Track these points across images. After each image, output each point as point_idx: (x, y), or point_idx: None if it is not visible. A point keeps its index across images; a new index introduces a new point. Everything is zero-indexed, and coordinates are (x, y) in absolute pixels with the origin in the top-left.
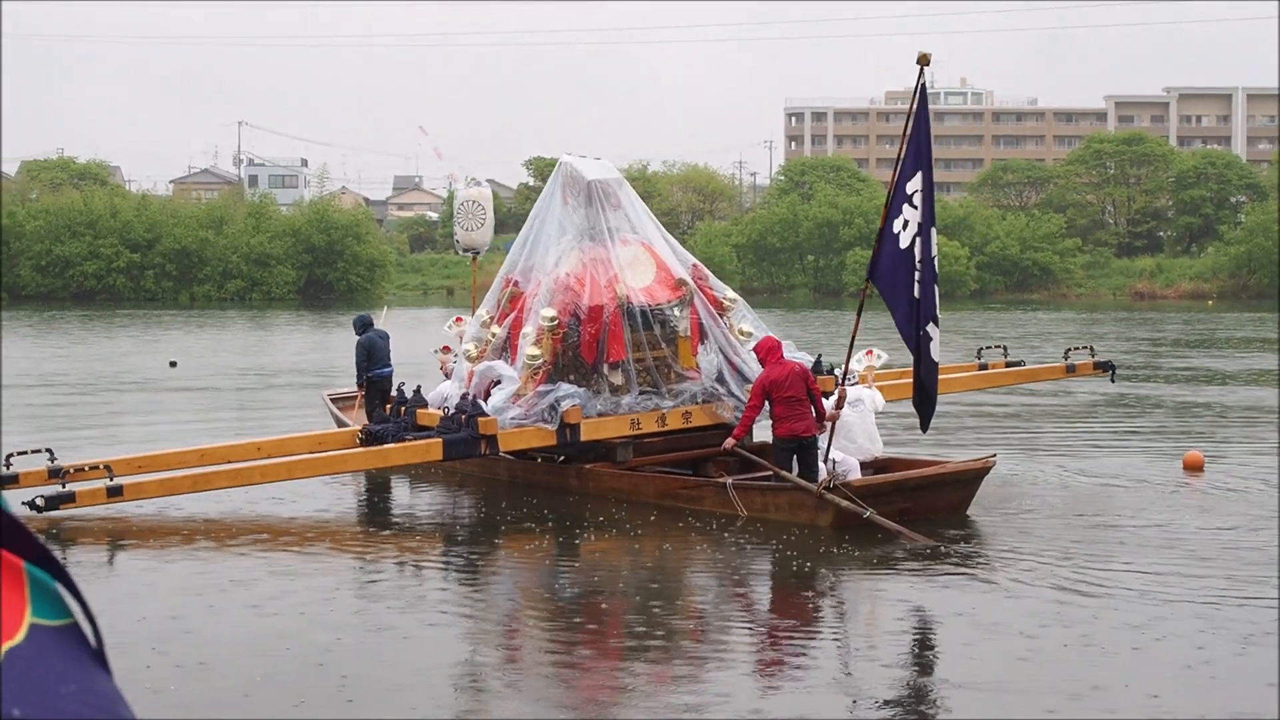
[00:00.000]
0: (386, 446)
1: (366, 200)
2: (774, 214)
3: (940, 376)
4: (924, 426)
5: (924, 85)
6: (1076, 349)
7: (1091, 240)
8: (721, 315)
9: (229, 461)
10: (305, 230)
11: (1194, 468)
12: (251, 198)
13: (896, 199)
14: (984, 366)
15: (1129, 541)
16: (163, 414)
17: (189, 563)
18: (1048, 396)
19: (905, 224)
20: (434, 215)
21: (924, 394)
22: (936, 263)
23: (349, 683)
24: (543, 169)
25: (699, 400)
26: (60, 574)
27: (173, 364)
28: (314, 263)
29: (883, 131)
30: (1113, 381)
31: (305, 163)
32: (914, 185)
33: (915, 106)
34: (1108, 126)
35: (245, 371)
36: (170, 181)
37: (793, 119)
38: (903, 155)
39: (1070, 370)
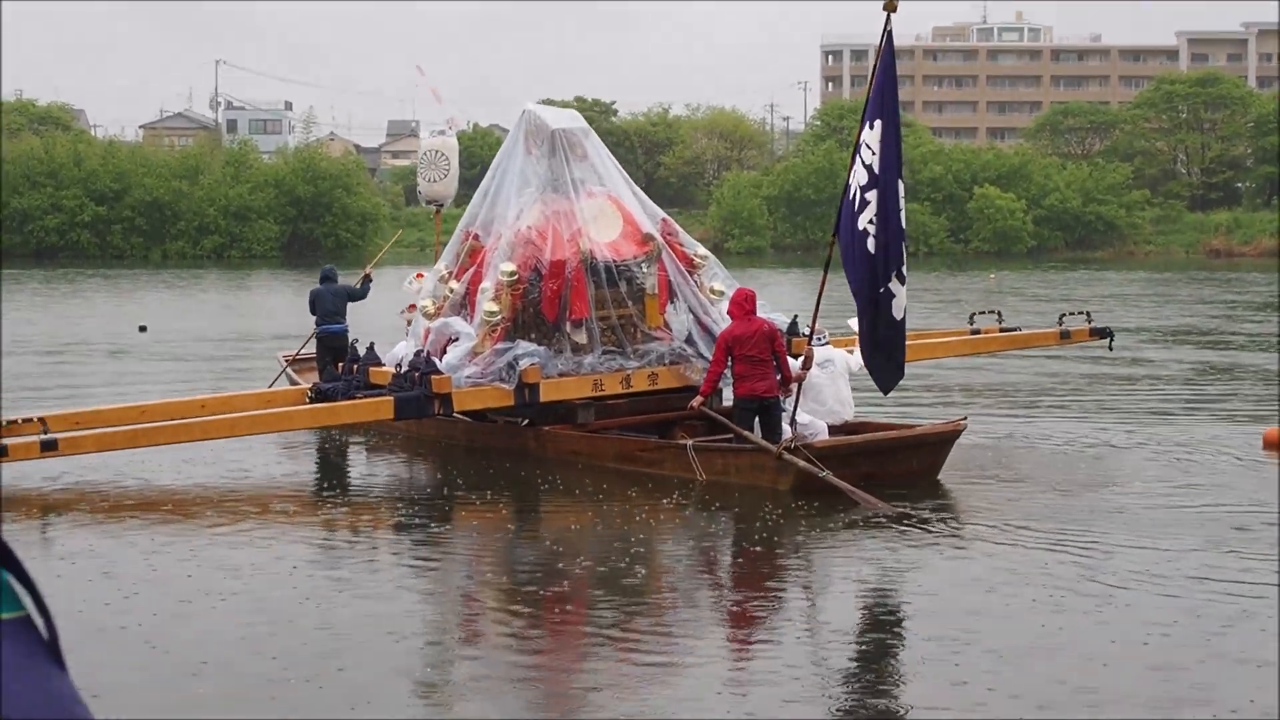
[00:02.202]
0: (335, 404)
1: (357, 148)
2: (809, 163)
3: (928, 340)
4: (885, 388)
5: (890, 33)
6: (1072, 314)
7: (1161, 192)
8: (692, 273)
9: (171, 418)
10: (289, 181)
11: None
12: (230, 145)
13: (855, 150)
14: (976, 332)
15: (1127, 511)
16: (131, 382)
17: (130, 536)
18: (1113, 364)
19: (855, 176)
20: None
21: (883, 353)
22: (904, 216)
23: (290, 671)
24: None
25: (666, 361)
26: (10, 561)
27: (142, 329)
28: (299, 217)
29: (930, 71)
30: (1110, 349)
31: (289, 106)
32: (870, 135)
33: (880, 54)
34: (1179, 66)
35: (222, 337)
36: (140, 127)
37: (830, 57)
38: (866, 104)
39: (1064, 337)
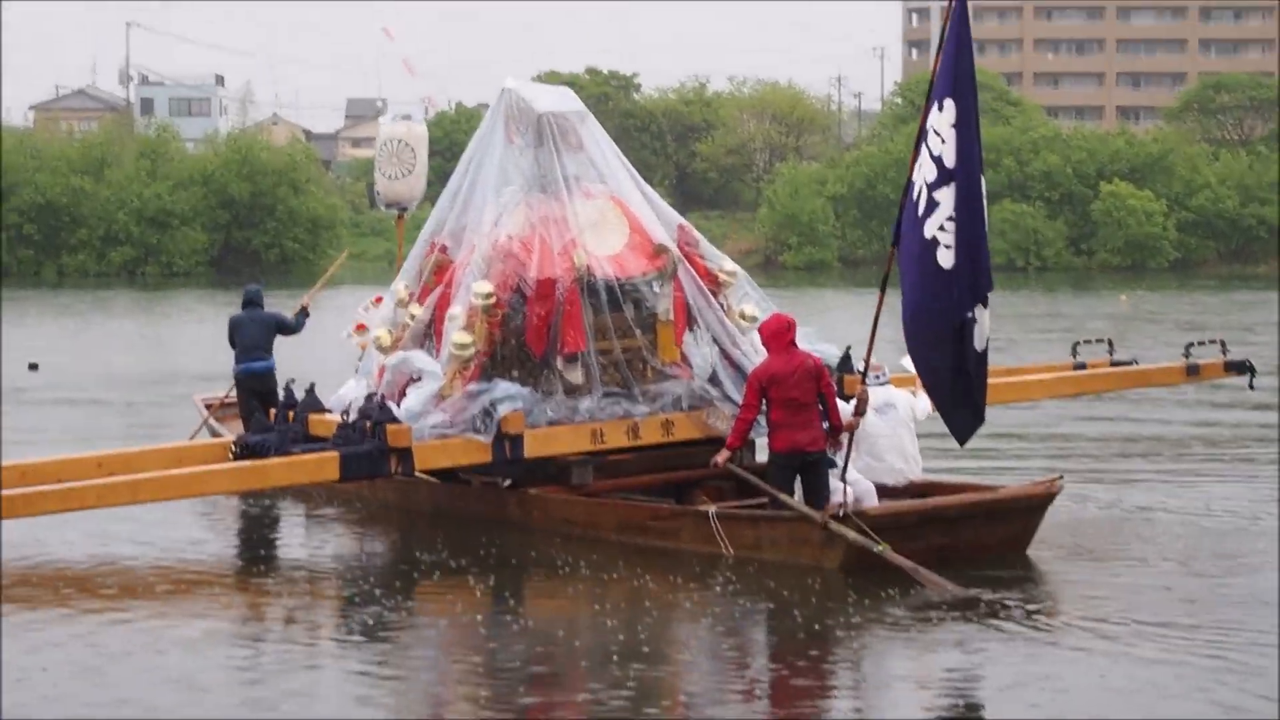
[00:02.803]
0: (265, 462)
1: (308, 134)
2: (887, 152)
3: (1021, 379)
4: (962, 439)
5: None
6: (1202, 342)
7: None
8: (716, 293)
9: (59, 480)
10: (220, 176)
11: None
12: (145, 130)
13: (919, 138)
14: (1080, 366)
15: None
16: (17, 436)
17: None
18: (1260, 409)
19: (921, 171)
20: None
21: (963, 395)
22: (987, 221)
23: None
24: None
25: (684, 405)
26: None
27: (33, 366)
28: (233, 222)
29: (1043, 34)
30: (1251, 388)
31: (221, 81)
32: (938, 119)
33: (950, 14)
34: None
35: (134, 377)
36: (30, 108)
37: (914, 17)
38: (933, 81)
39: (1192, 372)
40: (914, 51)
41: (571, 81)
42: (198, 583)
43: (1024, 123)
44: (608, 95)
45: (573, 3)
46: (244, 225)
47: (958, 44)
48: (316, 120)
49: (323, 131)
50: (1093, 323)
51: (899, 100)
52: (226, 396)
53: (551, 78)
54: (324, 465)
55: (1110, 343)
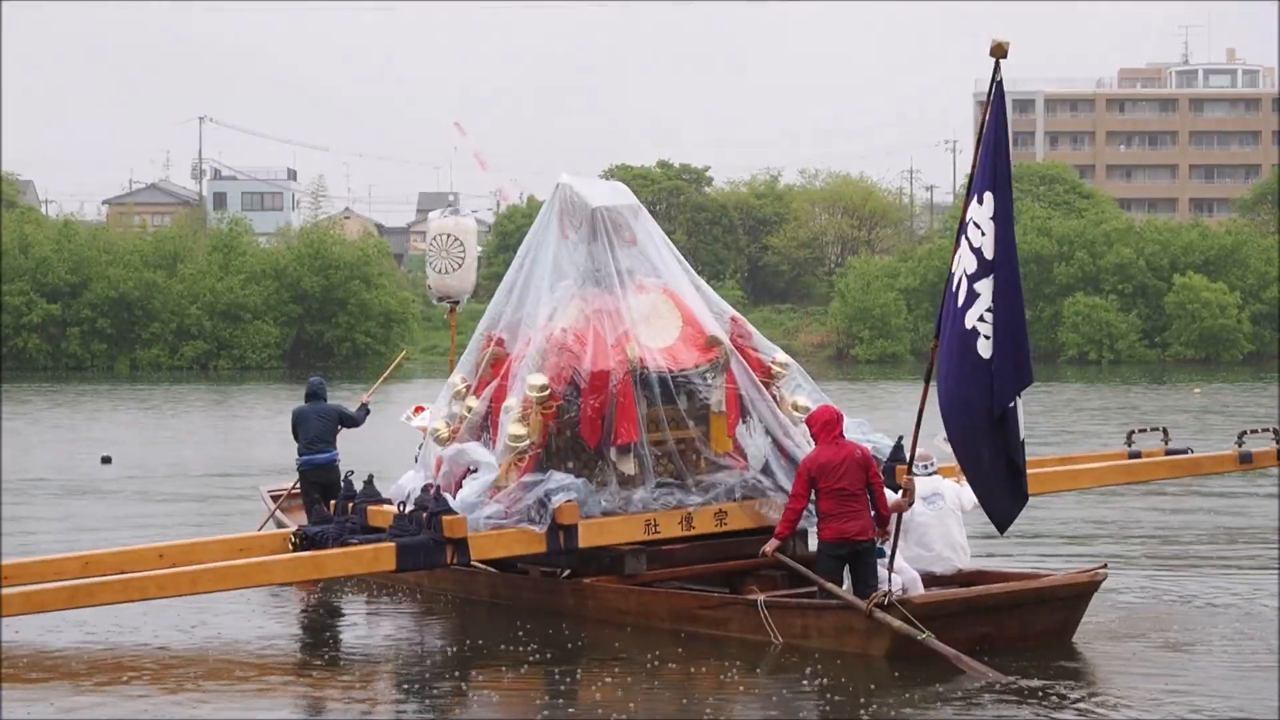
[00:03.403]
0: (323, 553)
1: (380, 228)
2: None
3: (1074, 467)
4: (1003, 526)
5: (1000, 83)
6: (1255, 431)
7: None
8: (769, 385)
9: (120, 571)
10: (293, 270)
11: None
12: (218, 224)
13: (960, 231)
14: (1135, 455)
15: None
16: (89, 528)
17: (57, 710)
18: None
19: (961, 262)
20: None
21: (1004, 484)
22: (1024, 309)
23: None
24: (629, 182)
25: (737, 495)
26: None
27: (106, 460)
28: (305, 316)
29: (1115, 126)
30: None
31: (293, 175)
32: (978, 211)
33: (989, 110)
34: None
35: (206, 471)
36: (104, 202)
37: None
38: (973, 173)
39: (1245, 460)
40: None
41: (643, 175)
42: (260, 669)
43: (1097, 215)
44: (679, 189)
45: (631, 88)
46: (316, 319)
47: (995, 137)
48: (388, 214)
49: (394, 225)
50: (1168, 415)
51: None
52: (293, 488)
53: (623, 171)
54: (380, 556)
55: (1165, 431)
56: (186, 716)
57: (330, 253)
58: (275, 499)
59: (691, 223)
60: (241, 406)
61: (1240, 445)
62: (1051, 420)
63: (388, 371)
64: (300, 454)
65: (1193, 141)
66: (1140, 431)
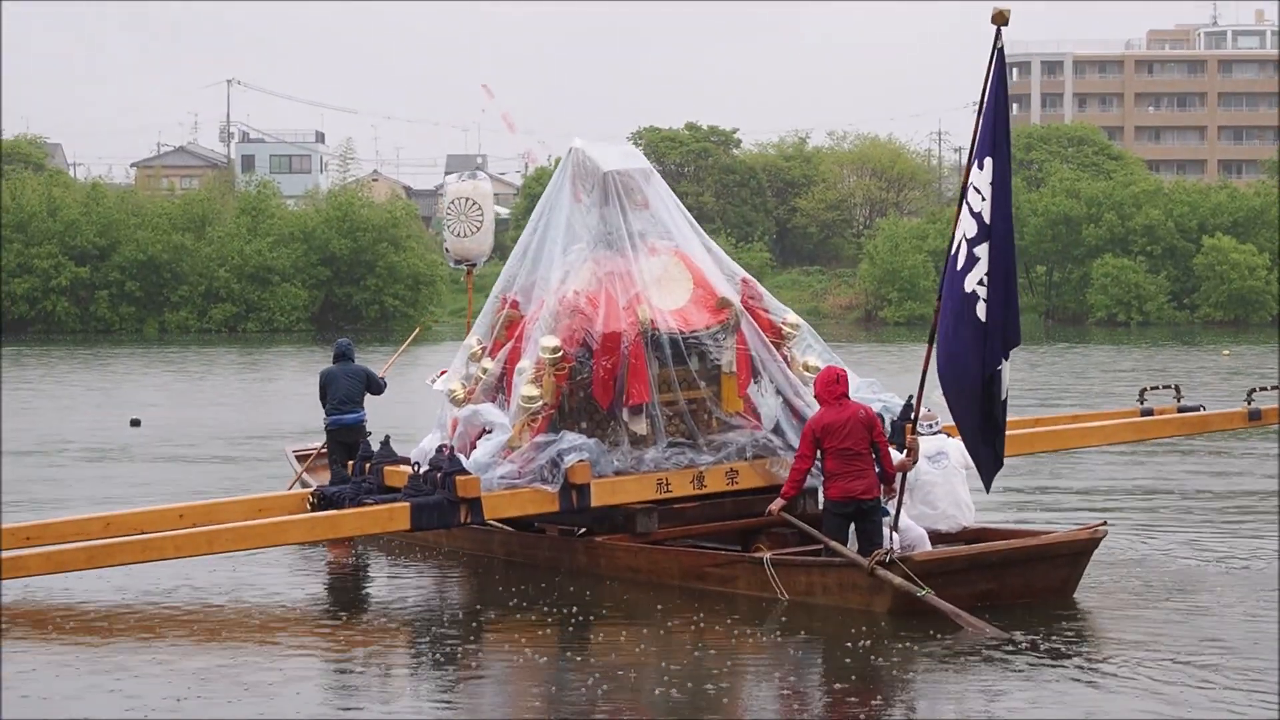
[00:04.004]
0: (338, 513)
1: (408, 190)
2: None
3: (1085, 425)
4: (989, 484)
5: (1000, 50)
6: (1263, 389)
7: None
8: (779, 345)
9: (140, 531)
10: (321, 233)
11: None
12: (246, 187)
13: (962, 195)
14: (1148, 412)
15: None
16: (118, 489)
17: (89, 666)
18: None
19: (962, 226)
20: (504, 211)
21: (989, 444)
22: (1016, 272)
23: None
24: (657, 144)
25: (748, 455)
26: None
27: (135, 422)
28: (333, 278)
29: (1144, 88)
30: None
31: (321, 138)
32: (979, 177)
33: (989, 77)
34: None
35: (235, 433)
36: (132, 165)
37: (1015, 71)
38: (975, 140)
39: (1254, 418)
40: (1014, 106)
41: (671, 137)
42: (278, 626)
43: (1125, 177)
44: (708, 150)
45: (661, 49)
46: (344, 281)
47: (996, 103)
48: (417, 176)
49: (423, 188)
50: (1197, 377)
51: None
52: (321, 449)
53: (649, 133)
54: (395, 515)
55: (1177, 388)
56: (213, 663)
57: (358, 215)
58: (301, 460)
59: (720, 185)
60: (270, 369)
61: (1250, 402)
62: (1084, 383)
63: (404, 345)
64: (328, 414)
65: (1221, 103)
66: (1153, 389)
